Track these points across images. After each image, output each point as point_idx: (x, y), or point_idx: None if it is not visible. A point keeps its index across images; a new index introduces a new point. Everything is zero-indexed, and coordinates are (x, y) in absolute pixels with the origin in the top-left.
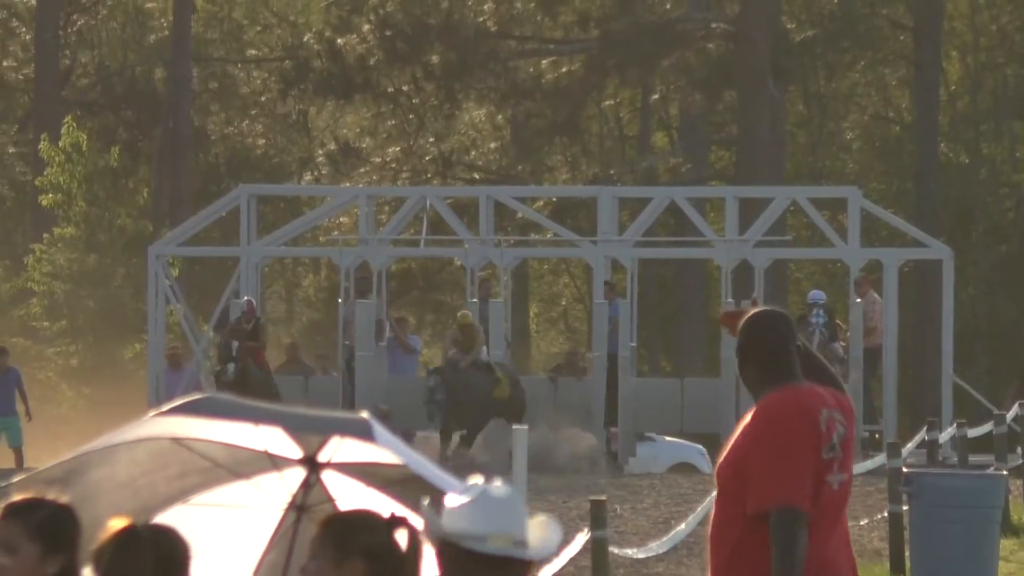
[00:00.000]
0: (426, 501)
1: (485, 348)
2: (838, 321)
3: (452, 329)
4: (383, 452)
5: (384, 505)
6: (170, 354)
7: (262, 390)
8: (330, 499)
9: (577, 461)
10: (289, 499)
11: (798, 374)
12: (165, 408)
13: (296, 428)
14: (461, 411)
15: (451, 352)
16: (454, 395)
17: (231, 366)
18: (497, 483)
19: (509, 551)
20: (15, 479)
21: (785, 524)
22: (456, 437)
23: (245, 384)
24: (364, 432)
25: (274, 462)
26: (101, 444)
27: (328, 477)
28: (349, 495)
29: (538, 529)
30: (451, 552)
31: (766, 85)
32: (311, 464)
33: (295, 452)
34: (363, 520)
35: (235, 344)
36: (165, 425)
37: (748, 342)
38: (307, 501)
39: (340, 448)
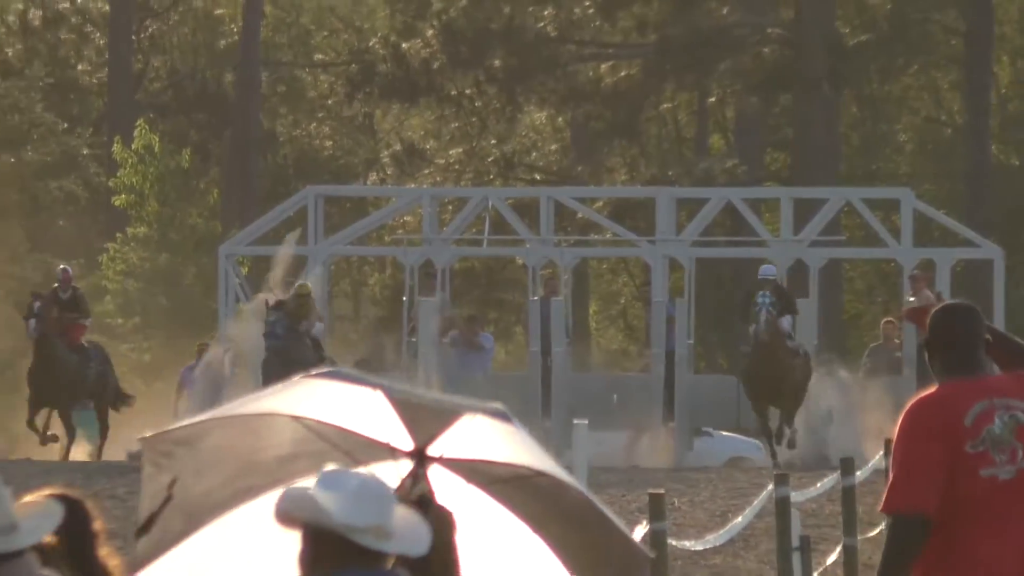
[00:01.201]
0: (303, 482)
1: (320, 324)
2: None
3: (288, 297)
4: (502, 447)
5: (483, 503)
6: (200, 349)
7: (72, 370)
8: (431, 492)
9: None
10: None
11: (978, 365)
12: (313, 372)
13: (426, 407)
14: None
15: (274, 317)
16: (285, 356)
17: (32, 322)
18: (370, 474)
19: (381, 545)
20: (148, 434)
21: (893, 532)
22: None
23: (50, 361)
24: (502, 417)
25: (391, 451)
26: (231, 411)
27: (434, 472)
28: (450, 491)
29: (404, 523)
30: (324, 536)
31: (821, 89)
32: (420, 457)
33: (407, 443)
34: None
35: (36, 304)
36: (292, 399)
37: (933, 334)
38: (411, 493)
39: (451, 444)
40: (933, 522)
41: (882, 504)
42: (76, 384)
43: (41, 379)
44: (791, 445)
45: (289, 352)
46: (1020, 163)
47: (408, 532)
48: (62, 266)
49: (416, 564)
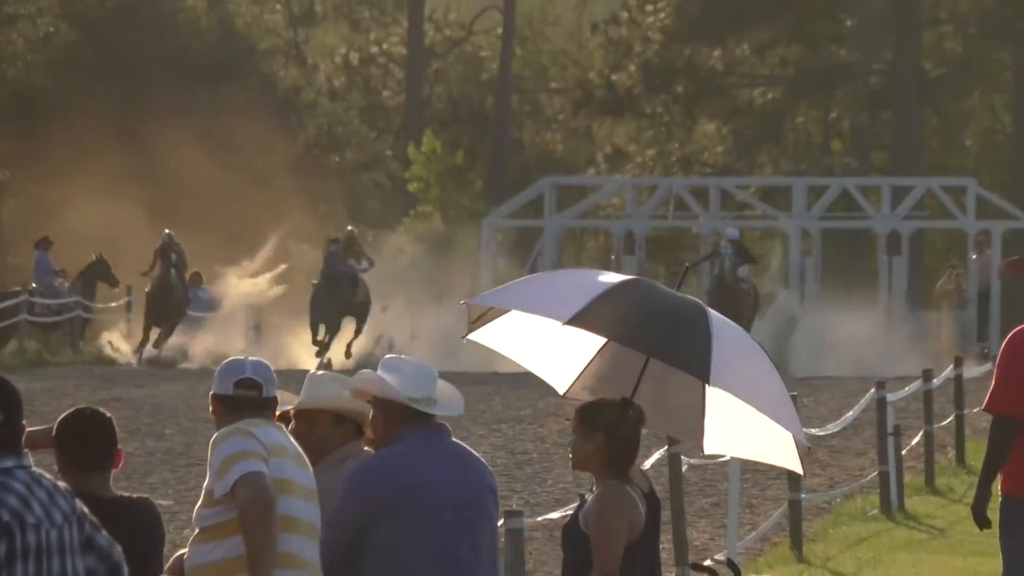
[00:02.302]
0: (369, 371)
1: (356, 262)
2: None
3: (342, 238)
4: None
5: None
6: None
7: (177, 298)
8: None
9: None
10: None
11: None
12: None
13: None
14: (327, 303)
15: (332, 250)
16: (326, 289)
17: (172, 272)
18: (418, 359)
19: (431, 409)
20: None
21: (993, 427)
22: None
23: (166, 290)
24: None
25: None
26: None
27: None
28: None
29: (447, 392)
30: (390, 406)
31: (911, 107)
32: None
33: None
34: (602, 404)
35: (173, 256)
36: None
37: None
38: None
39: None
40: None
41: (984, 404)
42: (181, 309)
43: (157, 306)
44: None
45: (335, 279)
46: None
47: (447, 399)
48: (167, 231)
49: (621, 438)
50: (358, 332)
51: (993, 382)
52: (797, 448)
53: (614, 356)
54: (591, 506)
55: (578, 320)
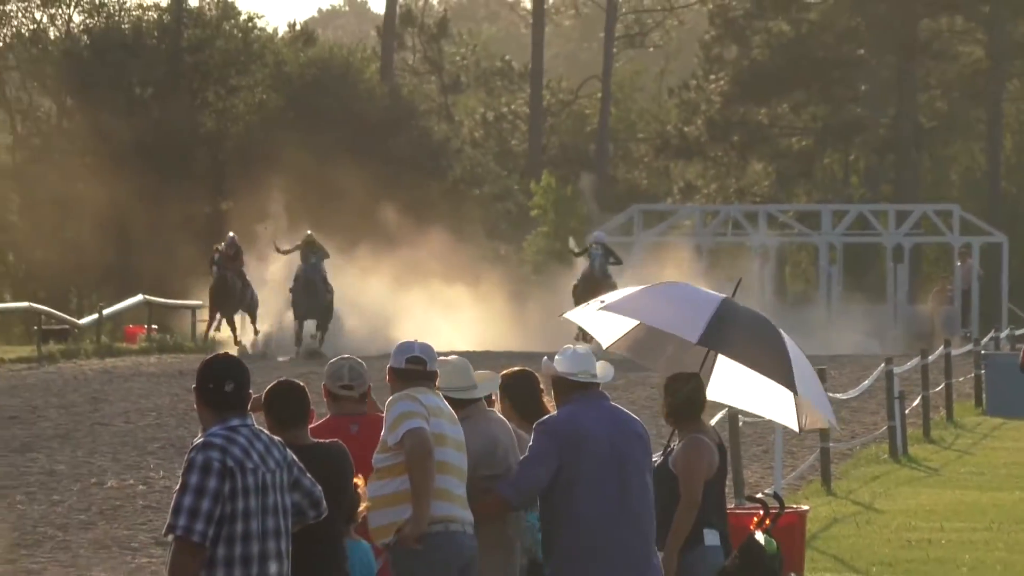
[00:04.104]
0: (547, 356)
1: (324, 263)
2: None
3: (301, 243)
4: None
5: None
6: None
7: (237, 292)
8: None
9: None
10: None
11: None
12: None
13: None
14: (308, 301)
15: (307, 265)
16: (306, 287)
17: (214, 268)
18: (581, 345)
19: (588, 380)
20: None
21: None
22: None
23: (224, 287)
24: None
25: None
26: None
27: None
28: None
29: (602, 368)
30: (560, 381)
31: (911, 151)
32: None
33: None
34: (681, 376)
35: (216, 255)
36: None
37: None
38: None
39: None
40: None
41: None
42: (238, 300)
43: (219, 298)
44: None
45: (308, 277)
46: (1016, 192)
47: (604, 373)
48: (231, 234)
49: (691, 401)
50: (323, 329)
51: None
52: (812, 418)
53: (648, 331)
54: (679, 452)
55: (705, 341)
